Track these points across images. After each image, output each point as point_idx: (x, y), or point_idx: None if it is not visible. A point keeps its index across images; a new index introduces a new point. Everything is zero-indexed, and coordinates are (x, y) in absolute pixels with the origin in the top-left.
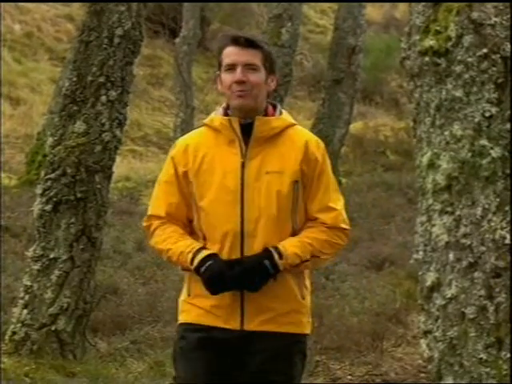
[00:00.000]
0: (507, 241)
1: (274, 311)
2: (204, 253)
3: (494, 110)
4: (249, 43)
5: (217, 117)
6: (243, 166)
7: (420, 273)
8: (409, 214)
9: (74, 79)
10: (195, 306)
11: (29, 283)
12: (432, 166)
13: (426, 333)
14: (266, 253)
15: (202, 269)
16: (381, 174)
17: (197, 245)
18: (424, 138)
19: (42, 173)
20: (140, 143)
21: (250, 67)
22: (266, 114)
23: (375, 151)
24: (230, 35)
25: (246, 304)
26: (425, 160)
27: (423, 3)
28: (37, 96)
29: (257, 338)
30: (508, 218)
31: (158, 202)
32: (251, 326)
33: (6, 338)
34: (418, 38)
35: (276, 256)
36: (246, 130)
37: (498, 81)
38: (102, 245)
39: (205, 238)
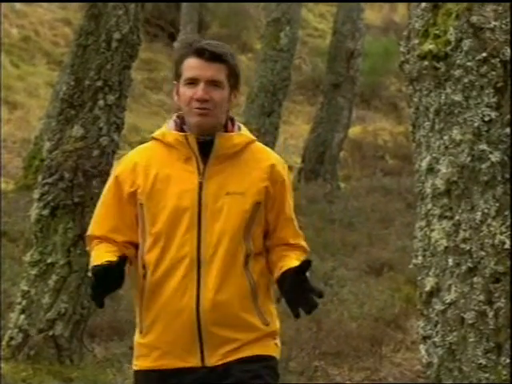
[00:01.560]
0: (507, 246)
1: (238, 341)
2: (95, 264)
3: (493, 114)
4: (214, 57)
5: (170, 132)
6: (201, 186)
7: (419, 278)
8: (408, 219)
9: (72, 83)
10: (150, 348)
11: (26, 288)
12: (431, 170)
13: (425, 338)
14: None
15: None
16: (380, 179)
17: (108, 257)
18: (423, 142)
19: (40, 177)
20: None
21: (213, 83)
22: (225, 130)
23: (374, 155)
24: (193, 45)
25: (204, 337)
26: (424, 164)
27: (422, 7)
28: (34, 100)
29: (222, 373)
30: (507, 223)
31: (95, 223)
32: (213, 360)
33: (4, 343)
34: (417, 41)
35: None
36: (204, 148)
37: (498, 85)
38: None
39: (144, 267)
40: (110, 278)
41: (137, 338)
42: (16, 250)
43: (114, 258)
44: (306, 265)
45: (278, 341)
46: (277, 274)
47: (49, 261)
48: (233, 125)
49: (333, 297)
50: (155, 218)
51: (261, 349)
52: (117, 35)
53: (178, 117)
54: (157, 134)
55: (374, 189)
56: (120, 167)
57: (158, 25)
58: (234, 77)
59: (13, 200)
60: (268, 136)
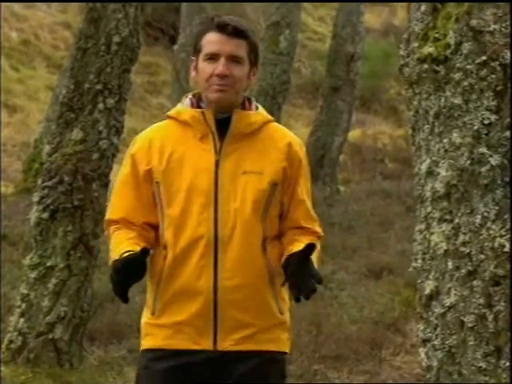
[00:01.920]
0: (506, 249)
1: (253, 327)
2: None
3: (493, 117)
4: (236, 32)
5: (186, 109)
6: (217, 164)
7: (419, 281)
8: (407, 222)
9: (72, 87)
10: (161, 327)
11: (26, 291)
12: (431, 173)
13: (425, 341)
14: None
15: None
16: (379, 182)
17: (123, 246)
18: (423, 145)
19: (39, 181)
20: None
21: (234, 59)
22: (243, 109)
23: (374, 159)
24: (215, 20)
25: (219, 320)
26: (423, 168)
27: (422, 10)
28: (34, 104)
29: (231, 359)
30: (507, 226)
31: (112, 206)
32: (226, 344)
33: (3, 346)
34: (416, 45)
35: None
36: (221, 125)
37: (497, 88)
38: (99, 253)
39: (165, 247)
40: (131, 271)
41: (146, 319)
42: (15, 253)
43: (134, 248)
44: (309, 249)
45: (289, 334)
46: (283, 257)
47: (48, 264)
48: (250, 104)
49: (332, 300)
50: (171, 197)
51: (276, 344)
52: (116, 38)
53: (193, 95)
54: (172, 112)
55: (373, 192)
56: (135, 146)
57: (159, 28)
58: (254, 54)
59: (12, 203)
60: None
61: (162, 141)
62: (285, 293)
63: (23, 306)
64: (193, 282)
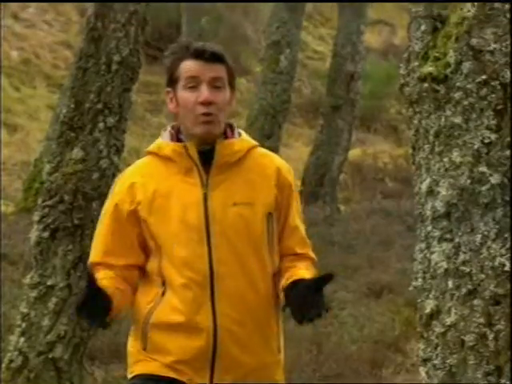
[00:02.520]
0: (506, 268)
1: (246, 366)
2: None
3: (493, 136)
4: (214, 57)
5: (167, 143)
6: (205, 197)
7: (419, 300)
8: (408, 241)
9: (72, 106)
10: (154, 360)
11: (26, 311)
12: (431, 192)
13: (426, 360)
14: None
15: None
16: (380, 201)
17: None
18: (423, 164)
19: (39, 200)
20: None
21: (216, 84)
22: (225, 137)
23: (374, 178)
24: (190, 47)
25: (217, 359)
26: (424, 187)
27: (422, 30)
28: (34, 123)
29: None
30: (507, 245)
31: (94, 248)
32: (221, 381)
33: (3, 365)
34: (416, 64)
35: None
36: (205, 157)
37: (498, 107)
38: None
39: (164, 284)
40: (92, 303)
41: (136, 349)
42: (16, 272)
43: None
44: (328, 278)
45: (283, 375)
46: (285, 282)
47: (48, 283)
48: (232, 131)
49: (333, 319)
50: (160, 234)
51: (271, 378)
52: (117, 58)
53: (172, 128)
54: (152, 147)
55: (373, 211)
56: (117, 188)
57: (159, 47)
58: (232, 78)
59: (13, 222)
60: None
61: (144, 178)
62: (280, 327)
63: (23, 325)
64: (191, 320)
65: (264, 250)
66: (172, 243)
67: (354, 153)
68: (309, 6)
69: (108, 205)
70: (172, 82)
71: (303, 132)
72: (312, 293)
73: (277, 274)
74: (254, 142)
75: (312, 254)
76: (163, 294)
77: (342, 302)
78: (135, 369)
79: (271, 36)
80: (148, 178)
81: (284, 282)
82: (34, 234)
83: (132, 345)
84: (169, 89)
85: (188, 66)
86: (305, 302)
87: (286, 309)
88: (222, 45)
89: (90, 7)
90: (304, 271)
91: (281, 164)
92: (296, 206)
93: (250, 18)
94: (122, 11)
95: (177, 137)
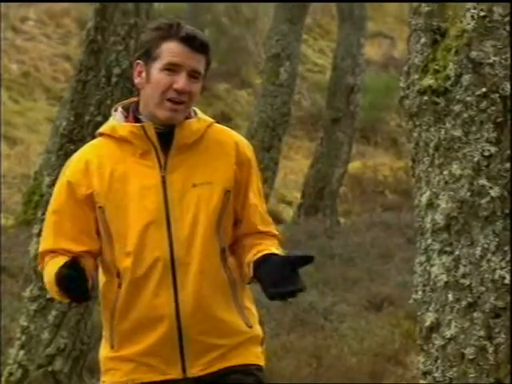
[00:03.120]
0: (506, 281)
1: (221, 348)
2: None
3: (493, 149)
4: (202, 47)
5: (122, 124)
6: (164, 181)
7: (419, 313)
8: (408, 254)
9: (72, 118)
10: (123, 361)
11: (25, 324)
12: (431, 205)
13: (426, 373)
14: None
15: (60, 273)
16: (380, 214)
17: (57, 264)
18: (423, 177)
19: (39, 212)
20: None
21: (194, 75)
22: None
23: (374, 191)
24: (180, 30)
25: (185, 345)
26: (424, 199)
27: (422, 42)
28: (34, 135)
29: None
30: (507, 258)
31: (47, 237)
32: (195, 370)
33: (3, 379)
34: (416, 77)
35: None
36: (163, 139)
37: (497, 120)
38: (99, 285)
39: (119, 275)
40: (74, 277)
41: (105, 352)
42: (15, 285)
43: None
44: (308, 259)
45: (262, 348)
46: (252, 256)
47: (48, 296)
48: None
49: (333, 332)
50: (119, 221)
51: (247, 357)
52: (117, 70)
53: (124, 107)
54: (104, 128)
55: (373, 224)
56: (69, 170)
57: None
58: (208, 69)
59: (12, 235)
60: (268, 171)
61: (98, 161)
62: (249, 301)
63: (23, 338)
64: (152, 309)
65: (216, 227)
66: (129, 230)
67: (354, 165)
68: (308, 18)
69: (61, 186)
70: (148, 57)
71: (303, 144)
72: (288, 269)
73: (238, 250)
74: (211, 120)
75: (275, 232)
76: (119, 286)
77: (342, 315)
78: (105, 379)
79: (271, 49)
80: (103, 160)
81: (251, 256)
82: (33, 247)
83: (102, 347)
84: (140, 62)
85: (172, 49)
86: (281, 277)
87: (252, 281)
88: (222, 58)
89: (90, 20)
90: (273, 248)
91: (239, 140)
92: (256, 183)
93: (252, 31)
94: (122, 24)
95: (134, 117)
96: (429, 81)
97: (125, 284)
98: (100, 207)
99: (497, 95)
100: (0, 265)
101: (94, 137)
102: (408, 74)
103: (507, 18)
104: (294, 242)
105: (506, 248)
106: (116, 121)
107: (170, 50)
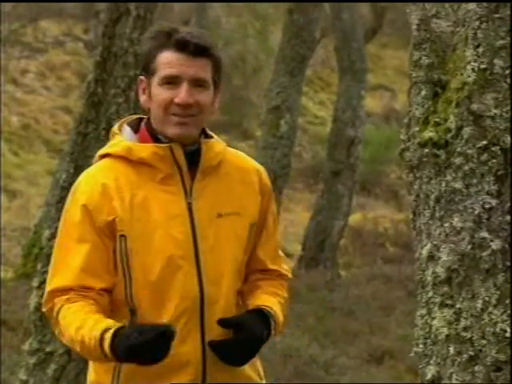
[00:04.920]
0: (508, 334)
1: None
2: (110, 332)
3: (494, 202)
4: (200, 50)
5: (142, 145)
6: (190, 208)
7: (420, 366)
8: (409, 307)
9: (71, 171)
10: None
11: (25, 377)
12: (432, 258)
13: None
14: (264, 317)
15: (118, 350)
16: (380, 267)
17: (100, 326)
18: (423, 229)
19: (39, 265)
20: None
21: (198, 83)
22: (205, 136)
23: (374, 243)
24: (173, 36)
25: None
26: (424, 252)
27: (423, 95)
28: (34, 188)
29: None
30: (509, 312)
31: (60, 269)
32: None
33: None
34: (417, 129)
35: (273, 324)
36: (188, 161)
37: (498, 173)
38: None
39: (134, 313)
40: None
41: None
42: (15, 338)
43: (101, 324)
44: (262, 317)
45: None
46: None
47: (48, 350)
48: (204, 130)
49: None
50: (141, 252)
51: None
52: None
53: (129, 125)
54: (115, 149)
55: (374, 276)
56: (83, 193)
57: None
58: (218, 74)
59: (12, 288)
60: None
61: (116, 184)
62: (258, 362)
63: None
64: (177, 355)
65: (239, 260)
66: (156, 264)
67: (355, 217)
68: (309, 70)
69: (74, 214)
70: (147, 71)
71: (304, 197)
72: (254, 339)
73: (241, 292)
74: (225, 143)
75: (284, 270)
76: (132, 323)
77: (343, 368)
78: None
79: (271, 101)
80: (120, 184)
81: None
82: (33, 300)
83: (96, 372)
84: (142, 77)
85: (167, 60)
86: (243, 345)
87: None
88: (224, 109)
89: (90, 73)
90: (266, 297)
91: (259, 167)
92: (274, 213)
93: (255, 81)
94: (122, 77)
95: (152, 136)
96: (429, 133)
97: (141, 322)
98: (122, 236)
99: (498, 148)
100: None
101: None
102: (408, 126)
103: (508, 71)
104: (294, 294)
105: (508, 301)
106: (125, 139)
107: (165, 60)
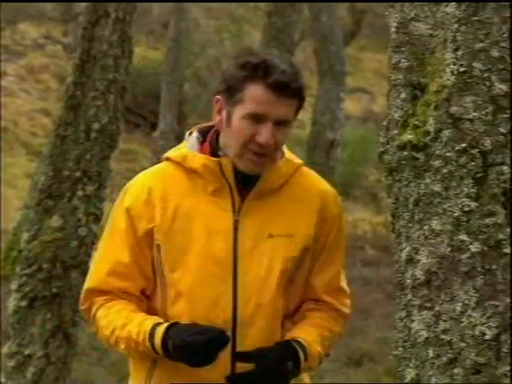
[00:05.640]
0: (487, 337)
1: None
2: (163, 325)
3: (472, 204)
4: (293, 94)
5: (195, 155)
6: (236, 226)
7: (399, 369)
8: (388, 310)
9: (50, 174)
10: None
11: (3, 381)
12: (411, 260)
13: None
14: (289, 349)
15: (170, 342)
16: (359, 269)
17: (150, 321)
18: (403, 232)
19: (18, 268)
20: None
21: (282, 123)
22: None
23: (353, 246)
24: (271, 74)
25: None
26: (403, 255)
27: (402, 98)
28: (13, 191)
29: None
30: (488, 314)
31: (100, 271)
32: None
33: None
34: (396, 132)
35: (302, 356)
36: (241, 177)
37: (477, 175)
38: (77, 341)
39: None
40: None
41: None
42: None
43: (150, 320)
44: (286, 348)
45: None
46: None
47: (26, 352)
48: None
49: None
50: (177, 264)
51: None
52: (96, 126)
53: (201, 133)
54: (174, 154)
55: (353, 279)
56: (130, 197)
57: (140, 114)
58: (301, 108)
59: None
60: None
61: (163, 190)
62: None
63: None
64: (203, 373)
65: (284, 288)
66: (189, 277)
67: None
68: None
69: (118, 217)
70: (230, 96)
71: None
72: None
73: (294, 316)
74: (299, 161)
75: (340, 304)
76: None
77: (322, 371)
78: None
79: None
80: (168, 192)
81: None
82: (11, 303)
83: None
84: (221, 98)
85: (258, 97)
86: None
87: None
88: (201, 113)
89: (69, 76)
90: (306, 328)
91: (328, 190)
92: (339, 240)
93: None
94: (101, 79)
95: (212, 149)
96: (408, 136)
97: None
98: (158, 245)
99: (476, 150)
100: None
101: (72, 192)
102: (387, 128)
103: (487, 74)
104: None
105: (487, 304)
106: (188, 148)
107: (256, 97)
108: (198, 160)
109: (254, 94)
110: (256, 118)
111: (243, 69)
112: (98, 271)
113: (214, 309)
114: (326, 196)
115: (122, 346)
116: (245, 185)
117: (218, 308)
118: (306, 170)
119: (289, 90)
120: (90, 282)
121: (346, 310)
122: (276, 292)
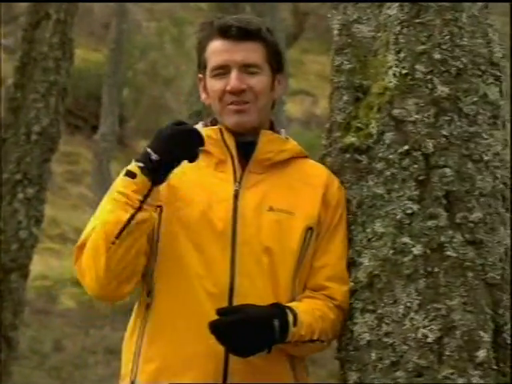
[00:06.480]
0: (429, 339)
1: None
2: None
3: (415, 207)
4: (245, 33)
5: (201, 128)
6: (236, 196)
7: (342, 372)
8: None
9: None
10: None
11: None
12: (353, 263)
13: None
14: (278, 309)
15: (156, 143)
16: None
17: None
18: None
19: None
20: (57, 241)
21: (248, 69)
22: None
23: None
24: (215, 23)
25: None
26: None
27: (344, 100)
28: None
29: None
30: (430, 317)
31: (89, 227)
32: None
33: None
34: (338, 134)
35: (291, 318)
36: (243, 149)
37: (419, 178)
38: (18, 345)
39: (149, 294)
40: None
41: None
42: None
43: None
44: (275, 309)
45: None
46: None
47: None
48: (277, 131)
49: None
50: (173, 229)
51: None
52: (36, 128)
53: (203, 124)
54: None
55: None
56: None
57: (81, 117)
58: (275, 57)
59: None
60: None
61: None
62: (303, 363)
63: None
64: (195, 344)
65: (292, 269)
66: (185, 244)
67: None
68: None
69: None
70: (201, 67)
71: None
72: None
73: None
74: (305, 153)
75: (336, 294)
76: (147, 307)
77: None
78: None
79: (192, 106)
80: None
81: None
82: None
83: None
84: (200, 75)
85: (214, 48)
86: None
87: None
88: (143, 115)
89: (10, 78)
90: (296, 303)
91: (332, 177)
92: (344, 233)
93: (172, 89)
94: (42, 82)
95: (213, 124)
96: (351, 138)
97: (159, 307)
98: (159, 206)
99: (419, 153)
100: None
101: (13, 195)
102: (330, 131)
103: (429, 76)
104: None
105: (429, 306)
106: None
107: (213, 50)
108: (203, 132)
109: (212, 48)
110: (221, 71)
111: (202, 30)
112: (88, 228)
113: (209, 276)
114: (331, 182)
115: (112, 218)
116: (245, 157)
117: (213, 276)
118: (312, 161)
119: (238, 31)
120: (79, 240)
121: (341, 297)
122: (272, 266)
